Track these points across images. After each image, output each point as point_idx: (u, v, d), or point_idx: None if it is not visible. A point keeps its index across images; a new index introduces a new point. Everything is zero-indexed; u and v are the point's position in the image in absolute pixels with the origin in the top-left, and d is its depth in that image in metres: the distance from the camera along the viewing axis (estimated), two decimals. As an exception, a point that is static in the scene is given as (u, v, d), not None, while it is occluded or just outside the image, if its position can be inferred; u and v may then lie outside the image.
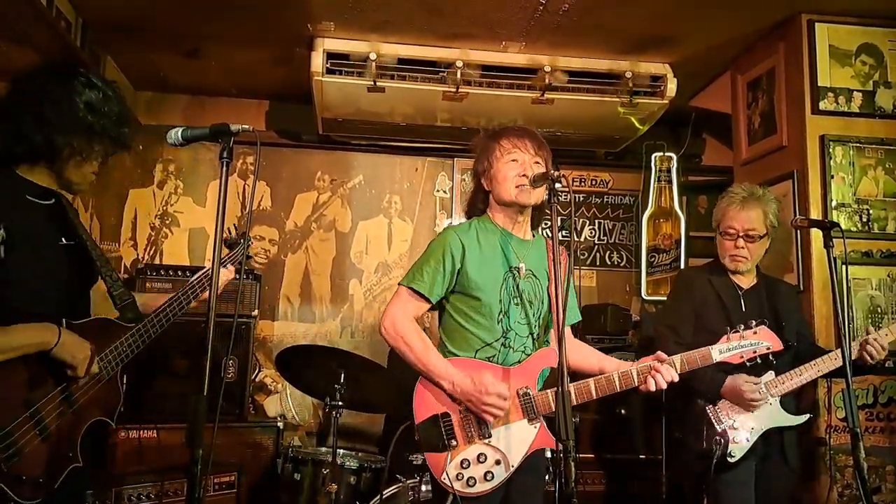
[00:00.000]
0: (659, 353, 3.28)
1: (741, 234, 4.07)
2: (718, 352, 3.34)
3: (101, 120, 2.79)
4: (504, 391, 3.10)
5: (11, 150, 2.74)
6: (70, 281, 2.87)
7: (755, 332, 3.38)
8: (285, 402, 6.04)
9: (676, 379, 3.23)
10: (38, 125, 2.70)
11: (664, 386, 3.20)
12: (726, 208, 4.15)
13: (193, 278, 3.23)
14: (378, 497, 4.32)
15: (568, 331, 3.64)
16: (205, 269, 3.28)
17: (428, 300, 3.30)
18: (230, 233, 3.65)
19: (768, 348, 3.38)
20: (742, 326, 3.37)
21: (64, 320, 2.70)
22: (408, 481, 4.38)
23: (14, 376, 2.55)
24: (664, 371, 3.20)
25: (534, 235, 3.51)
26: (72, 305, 2.84)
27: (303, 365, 4.72)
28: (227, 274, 3.40)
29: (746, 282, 4.20)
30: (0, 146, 2.74)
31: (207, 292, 3.21)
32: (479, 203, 3.50)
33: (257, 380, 6.14)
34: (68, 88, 2.77)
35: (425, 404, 3.21)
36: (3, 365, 2.50)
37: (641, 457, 5.55)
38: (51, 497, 2.61)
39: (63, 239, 2.87)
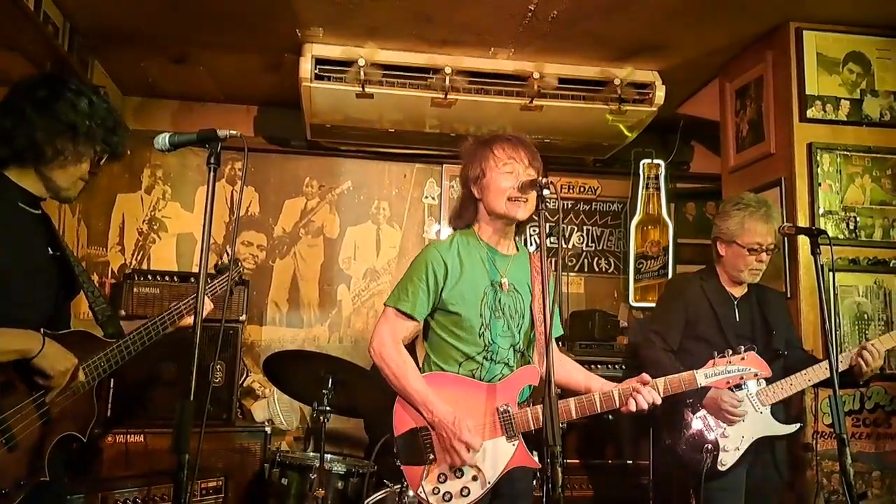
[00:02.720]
0: (643, 374, 3.25)
1: (765, 248, 4.06)
2: (704, 376, 3.27)
3: (84, 121, 2.76)
4: (476, 445, 3.08)
5: (3, 151, 2.72)
6: (54, 291, 2.85)
7: (743, 358, 3.30)
8: (273, 407, 6.01)
9: (659, 401, 3.19)
10: (20, 126, 2.69)
11: (645, 407, 3.15)
12: (749, 223, 4.07)
13: (181, 304, 3.21)
14: (364, 502, 4.31)
15: (553, 345, 3.64)
16: (190, 298, 3.25)
17: (414, 319, 3.29)
18: (221, 260, 3.65)
19: (756, 374, 3.32)
20: (730, 351, 3.32)
21: (43, 330, 2.64)
22: (395, 487, 4.37)
23: None
24: (645, 393, 3.17)
25: (517, 248, 3.49)
26: (53, 316, 2.80)
27: (291, 370, 4.72)
28: (207, 306, 3.35)
29: (739, 291, 4.20)
30: None
31: (191, 317, 3.22)
32: (467, 213, 3.44)
33: (245, 385, 6.12)
34: (53, 92, 2.76)
35: (405, 417, 3.20)
36: None
37: (629, 462, 5.57)
38: None
39: (50, 249, 2.85)
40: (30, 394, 2.61)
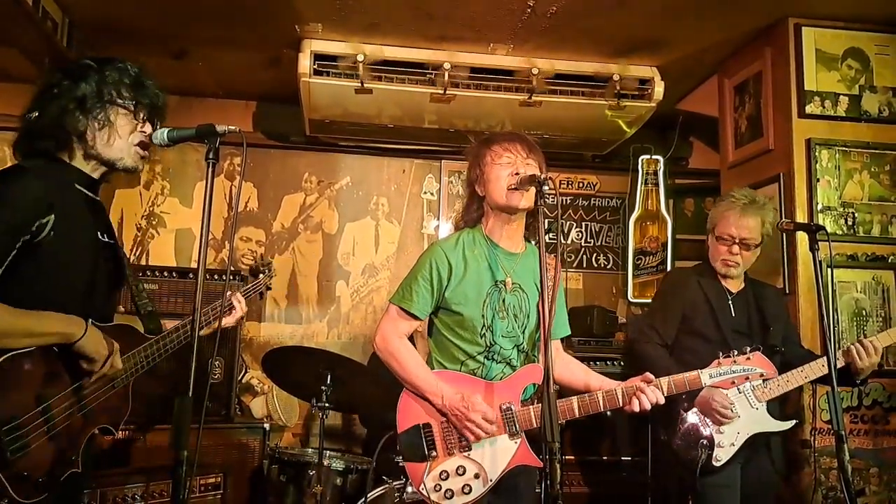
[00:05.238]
0: (646, 374, 3.25)
1: (737, 240, 4.07)
2: (709, 376, 3.25)
3: (94, 89, 2.74)
4: (491, 415, 3.12)
5: (32, 147, 2.73)
6: (101, 280, 2.83)
7: (748, 358, 3.27)
8: (272, 403, 6.02)
9: (662, 401, 3.18)
10: (39, 118, 2.71)
11: (648, 407, 3.15)
12: (725, 213, 4.12)
13: (209, 308, 3.25)
14: (363, 499, 4.31)
15: (558, 345, 3.65)
16: (218, 303, 3.29)
17: (416, 317, 3.32)
18: (255, 260, 3.70)
19: (762, 374, 3.29)
20: (736, 351, 3.29)
21: (90, 320, 2.65)
22: (393, 483, 4.38)
23: (33, 368, 2.49)
24: (649, 393, 3.16)
25: (525, 246, 3.50)
26: (98, 305, 2.79)
27: (289, 366, 4.72)
28: (239, 312, 3.46)
29: (735, 286, 4.20)
30: (28, 146, 2.75)
31: (219, 322, 3.29)
32: (473, 212, 3.48)
33: (244, 381, 6.12)
34: (61, 77, 2.76)
35: (408, 414, 3.23)
36: (25, 355, 2.45)
37: (626, 458, 5.57)
38: (47, 500, 2.52)
39: (102, 235, 2.84)
40: (72, 384, 2.62)
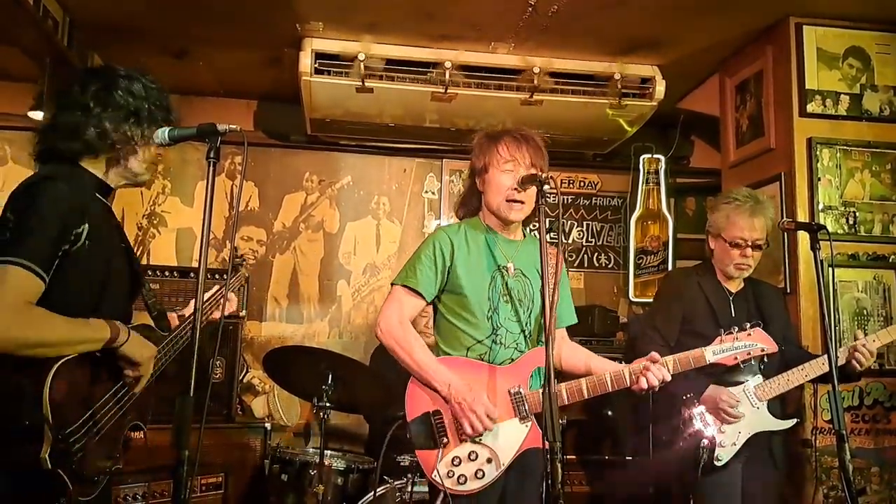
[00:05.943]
0: (653, 353, 3.27)
1: (750, 243, 4.05)
2: (712, 353, 3.31)
3: (143, 104, 2.78)
4: (494, 413, 3.11)
5: (69, 147, 2.71)
6: (124, 285, 2.85)
7: (749, 334, 3.34)
8: (273, 402, 6.02)
9: (668, 378, 3.23)
10: (86, 120, 2.69)
11: (655, 384, 3.19)
12: (734, 217, 4.07)
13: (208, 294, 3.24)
14: (366, 497, 4.32)
15: (563, 333, 3.64)
16: (215, 293, 3.30)
17: (422, 296, 3.30)
18: (237, 258, 3.68)
19: (763, 350, 3.35)
20: (736, 328, 3.34)
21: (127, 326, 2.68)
22: (395, 482, 4.38)
23: (82, 372, 2.52)
24: (655, 370, 3.20)
25: (524, 235, 3.51)
26: (121, 308, 2.80)
27: (290, 366, 4.71)
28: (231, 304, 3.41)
29: (735, 286, 4.19)
30: (58, 146, 2.72)
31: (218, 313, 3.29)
32: (472, 202, 3.51)
33: (245, 380, 6.12)
34: (107, 82, 2.78)
35: (417, 401, 3.21)
36: (75, 359, 2.46)
37: (628, 458, 5.56)
38: (97, 497, 2.60)
39: (121, 242, 2.86)
40: (113, 385, 2.66)
